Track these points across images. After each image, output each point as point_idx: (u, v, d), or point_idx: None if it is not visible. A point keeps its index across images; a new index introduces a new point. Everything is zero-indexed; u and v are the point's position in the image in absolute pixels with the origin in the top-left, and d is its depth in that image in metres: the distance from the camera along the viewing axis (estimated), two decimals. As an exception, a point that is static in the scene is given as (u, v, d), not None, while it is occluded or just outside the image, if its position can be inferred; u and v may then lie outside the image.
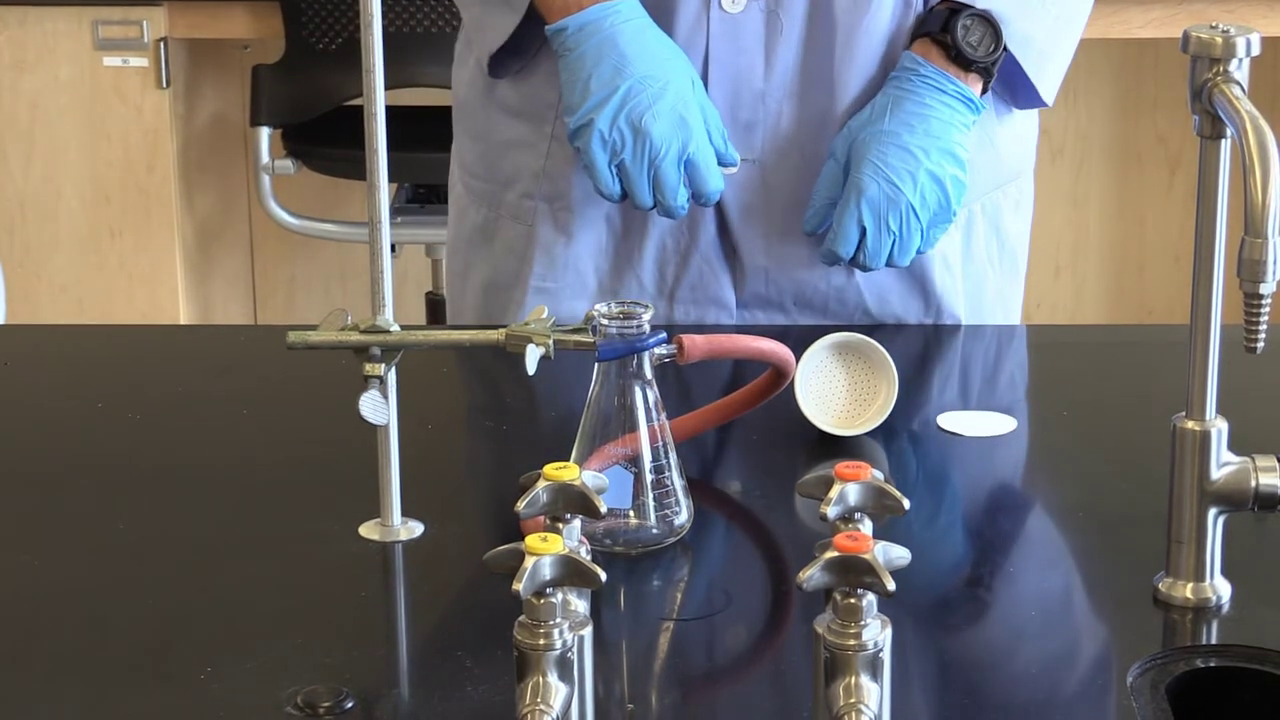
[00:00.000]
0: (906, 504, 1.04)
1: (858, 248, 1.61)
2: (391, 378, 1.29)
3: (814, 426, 1.45)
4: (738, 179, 1.66)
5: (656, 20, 1.65)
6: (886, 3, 1.65)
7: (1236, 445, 1.22)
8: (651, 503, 1.29)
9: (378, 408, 1.26)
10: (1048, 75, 1.70)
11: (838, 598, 0.99)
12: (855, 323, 1.70)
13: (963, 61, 1.62)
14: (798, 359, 1.41)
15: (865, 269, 1.63)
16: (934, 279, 1.71)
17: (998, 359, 1.72)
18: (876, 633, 0.99)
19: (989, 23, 1.63)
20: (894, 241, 1.61)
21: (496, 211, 1.77)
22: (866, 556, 0.97)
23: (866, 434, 1.46)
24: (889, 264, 1.62)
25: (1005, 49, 1.64)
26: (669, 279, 1.71)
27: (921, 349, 1.70)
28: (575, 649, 1.00)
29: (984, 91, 1.65)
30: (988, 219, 1.75)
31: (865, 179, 1.60)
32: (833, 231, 1.62)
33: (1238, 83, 1.16)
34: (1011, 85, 1.70)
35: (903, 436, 1.53)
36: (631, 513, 1.29)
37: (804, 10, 1.65)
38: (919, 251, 1.63)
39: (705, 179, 1.60)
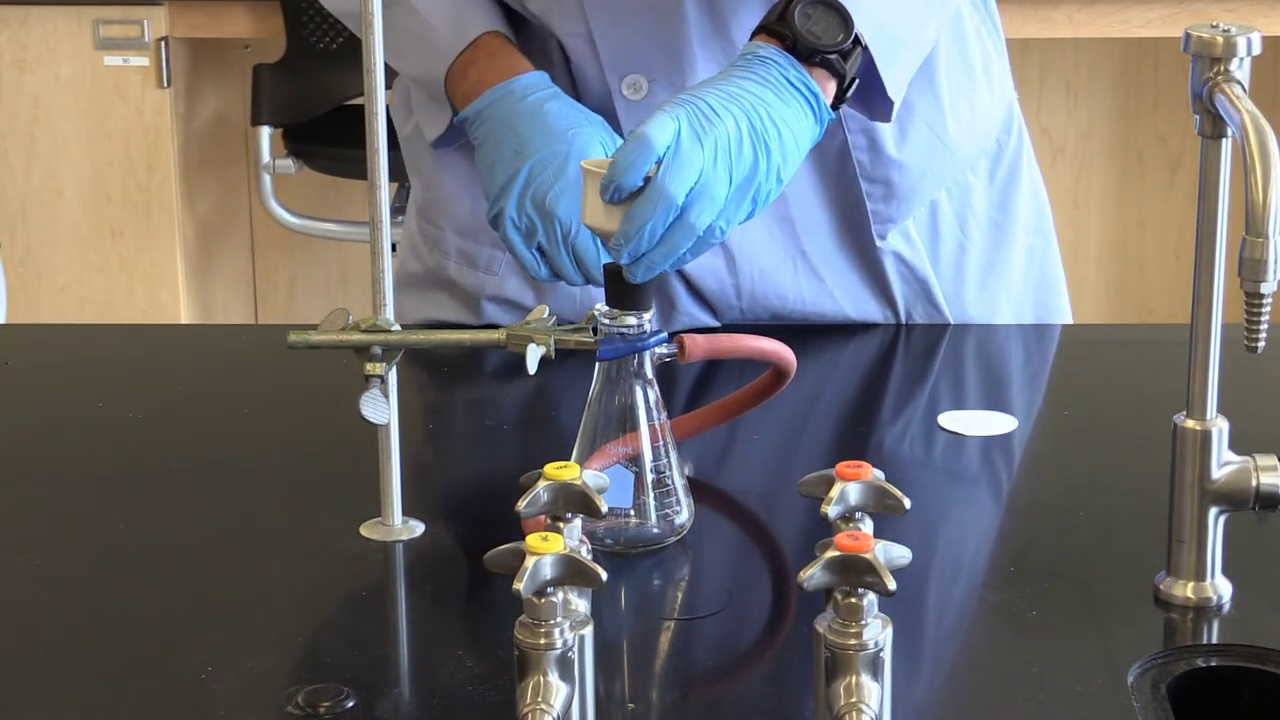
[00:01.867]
0: (907, 503, 1.04)
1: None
2: (392, 377, 1.29)
3: (814, 426, 1.45)
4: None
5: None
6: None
7: (1237, 444, 1.22)
8: (652, 502, 1.29)
9: (378, 407, 1.26)
10: (897, 69, 1.49)
11: (838, 597, 0.99)
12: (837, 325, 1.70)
13: (803, 52, 1.38)
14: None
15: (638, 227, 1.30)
16: (899, 279, 1.71)
17: (997, 359, 1.72)
18: (877, 632, 0.99)
19: (836, 12, 1.40)
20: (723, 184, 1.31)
21: (457, 260, 1.74)
22: (867, 556, 0.97)
23: (867, 434, 1.46)
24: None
25: (860, 43, 1.41)
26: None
27: (921, 348, 1.70)
28: (576, 648, 1.00)
29: (839, 99, 1.42)
30: (954, 200, 1.73)
31: (686, 99, 1.33)
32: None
33: (1239, 82, 1.16)
34: (862, 86, 1.48)
35: (903, 436, 1.53)
36: (632, 512, 1.29)
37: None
38: (703, 215, 1.31)
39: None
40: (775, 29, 1.39)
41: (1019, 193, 1.78)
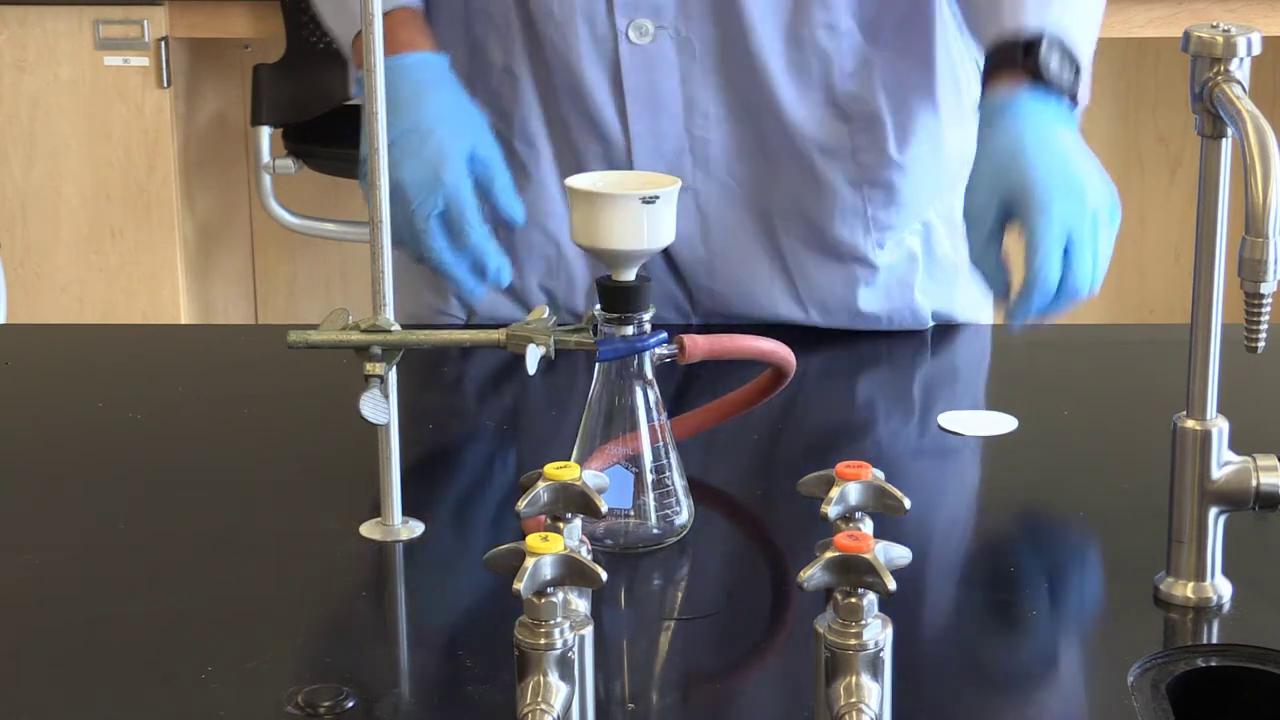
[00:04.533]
0: (907, 504, 1.04)
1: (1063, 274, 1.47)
2: (392, 377, 1.29)
3: (814, 426, 1.45)
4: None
5: (564, 56, 1.63)
6: (807, 25, 1.63)
7: (1237, 444, 1.22)
8: (652, 502, 1.29)
9: (378, 407, 1.26)
10: (1084, 78, 1.60)
11: (838, 597, 0.99)
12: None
13: (1051, 90, 1.53)
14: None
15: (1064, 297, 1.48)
16: (888, 297, 1.71)
17: (997, 359, 1.72)
18: (877, 632, 0.99)
19: (1062, 46, 1.54)
20: (1092, 250, 1.49)
21: None
22: (867, 556, 0.97)
23: (866, 434, 1.46)
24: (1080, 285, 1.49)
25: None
26: None
27: (921, 349, 1.70)
28: (576, 648, 1.00)
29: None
30: (943, 219, 1.74)
31: (1045, 194, 1.47)
32: (1031, 258, 1.47)
33: (1239, 82, 1.16)
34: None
35: (903, 436, 1.53)
36: (632, 512, 1.29)
37: (713, 35, 1.62)
38: (1097, 282, 1.51)
39: (460, 234, 1.54)
40: (1026, 66, 1.52)
41: None
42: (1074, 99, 1.54)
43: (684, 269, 1.70)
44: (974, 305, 1.76)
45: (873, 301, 1.71)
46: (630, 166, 1.66)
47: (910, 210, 1.70)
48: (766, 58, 1.63)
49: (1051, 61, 1.53)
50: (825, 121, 1.66)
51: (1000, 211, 1.48)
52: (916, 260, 1.72)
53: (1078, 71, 1.54)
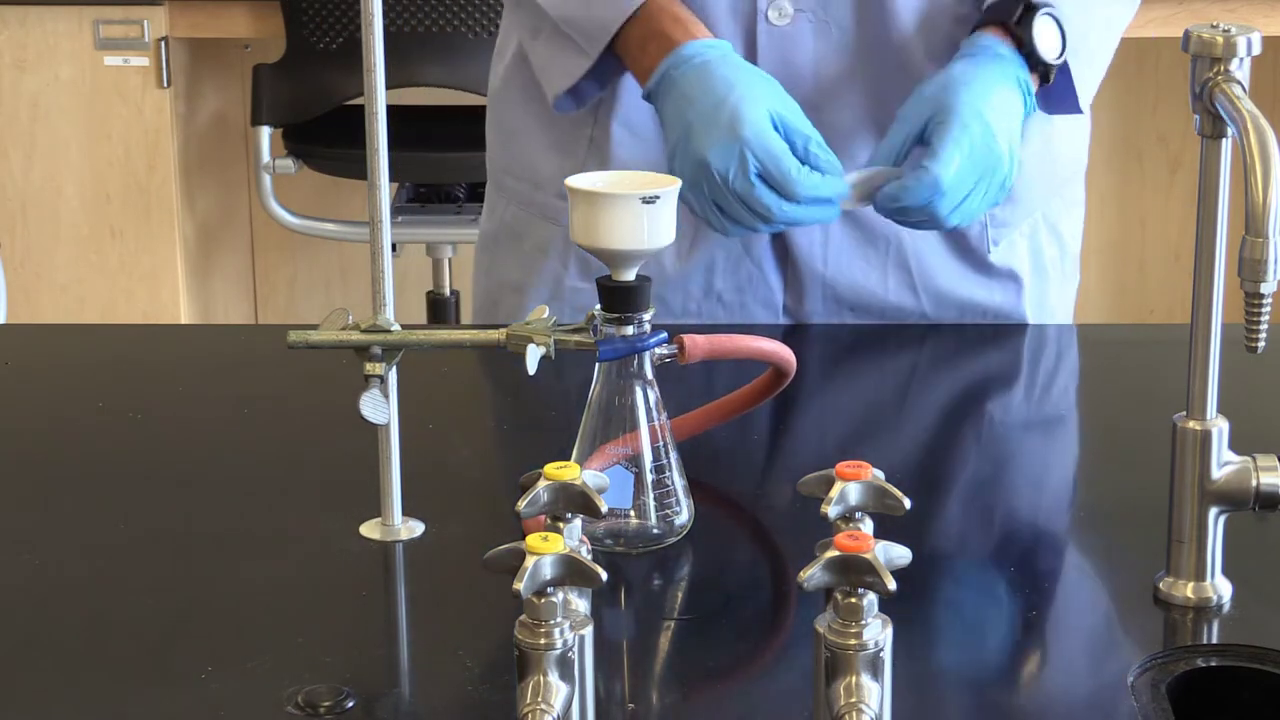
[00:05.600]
0: (907, 504, 1.04)
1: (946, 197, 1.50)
2: (392, 377, 1.29)
3: (814, 426, 1.45)
4: None
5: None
6: (943, 12, 1.64)
7: (1237, 444, 1.22)
8: (652, 502, 1.29)
9: (378, 407, 1.26)
10: (1088, 82, 1.65)
11: (838, 597, 0.99)
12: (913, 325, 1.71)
13: (1031, 60, 1.58)
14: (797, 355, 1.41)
15: (933, 220, 1.51)
16: (1000, 291, 1.72)
17: (998, 358, 1.72)
18: (877, 632, 0.99)
19: (1057, 25, 1.59)
20: (980, 196, 1.52)
21: (528, 211, 1.76)
22: (867, 556, 0.97)
23: (867, 433, 1.46)
24: (945, 221, 1.52)
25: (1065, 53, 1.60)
26: (716, 284, 1.70)
27: (921, 348, 1.70)
28: (576, 648, 1.00)
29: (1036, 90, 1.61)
30: (1049, 226, 1.75)
31: (968, 121, 1.51)
32: (932, 157, 1.50)
33: (1239, 82, 1.16)
34: (1048, 88, 1.63)
35: (903, 435, 1.53)
36: (632, 512, 1.29)
37: (851, 19, 1.63)
38: (961, 223, 1.54)
39: (786, 184, 1.50)
40: (1014, 31, 1.58)
41: (1081, 234, 1.83)
42: (1045, 78, 1.59)
43: (797, 253, 1.69)
44: (1062, 307, 1.77)
45: (984, 295, 1.71)
46: None
47: (1024, 207, 1.71)
48: (906, 46, 1.63)
49: (1040, 37, 1.58)
50: None
51: (922, 125, 1.53)
52: (1024, 267, 1.72)
53: (1061, 51, 1.59)
